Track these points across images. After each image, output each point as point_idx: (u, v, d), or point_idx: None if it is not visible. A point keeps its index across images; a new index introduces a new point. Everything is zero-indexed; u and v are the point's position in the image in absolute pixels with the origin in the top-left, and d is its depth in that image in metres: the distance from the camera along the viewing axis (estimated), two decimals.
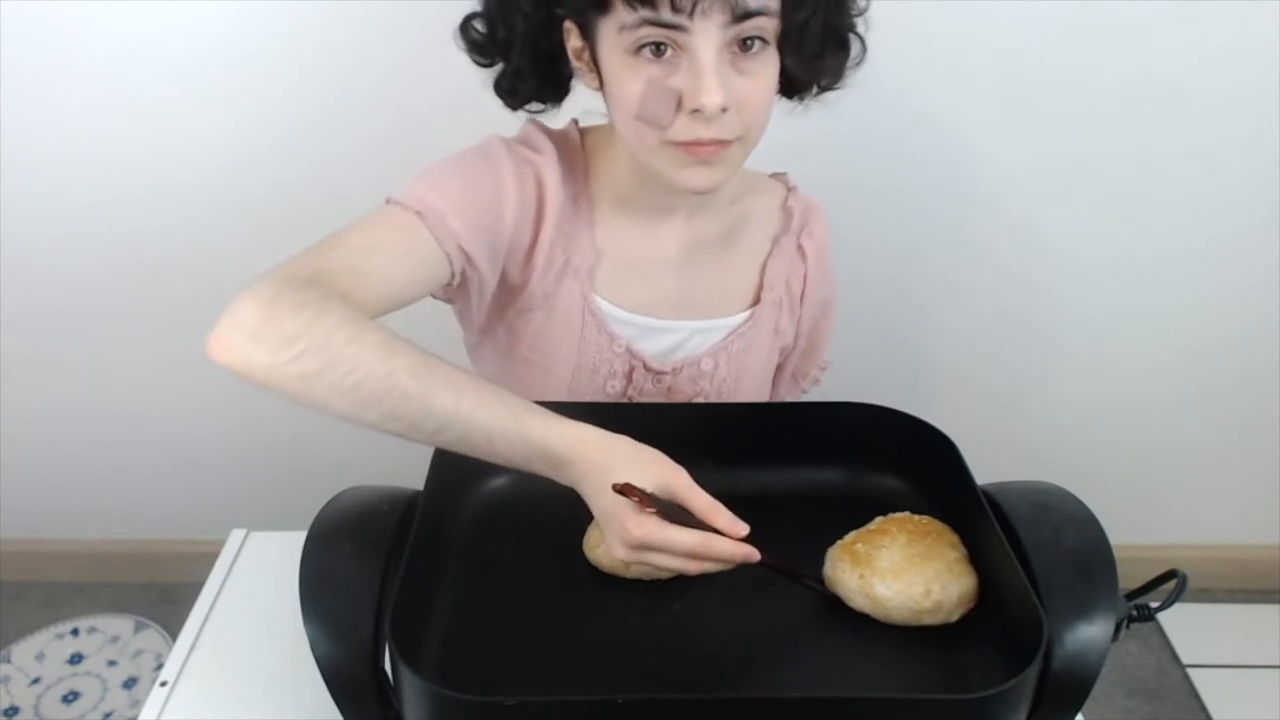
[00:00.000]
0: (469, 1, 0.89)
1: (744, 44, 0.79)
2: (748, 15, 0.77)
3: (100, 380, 1.69)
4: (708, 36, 0.77)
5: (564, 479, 0.71)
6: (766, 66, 0.82)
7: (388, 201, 0.85)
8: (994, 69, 1.38)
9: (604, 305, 0.96)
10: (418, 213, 0.83)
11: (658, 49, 0.79)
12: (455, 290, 0.90)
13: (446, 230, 0.83)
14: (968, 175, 1.49)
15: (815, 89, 0.91)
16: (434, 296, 0.91)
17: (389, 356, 0.69)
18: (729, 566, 0.70)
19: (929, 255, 1.55)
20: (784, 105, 0.91)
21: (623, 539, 0.68)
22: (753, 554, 0.69)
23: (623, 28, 0.79)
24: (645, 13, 0.77)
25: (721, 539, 0.69)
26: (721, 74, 0.78)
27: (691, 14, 0.76)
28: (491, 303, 0.94)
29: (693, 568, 0.69)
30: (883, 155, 1.44)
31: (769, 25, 0.80)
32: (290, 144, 1.44)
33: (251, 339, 0.68)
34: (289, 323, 0.68)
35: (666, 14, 0.76)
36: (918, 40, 1.33)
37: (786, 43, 0.82)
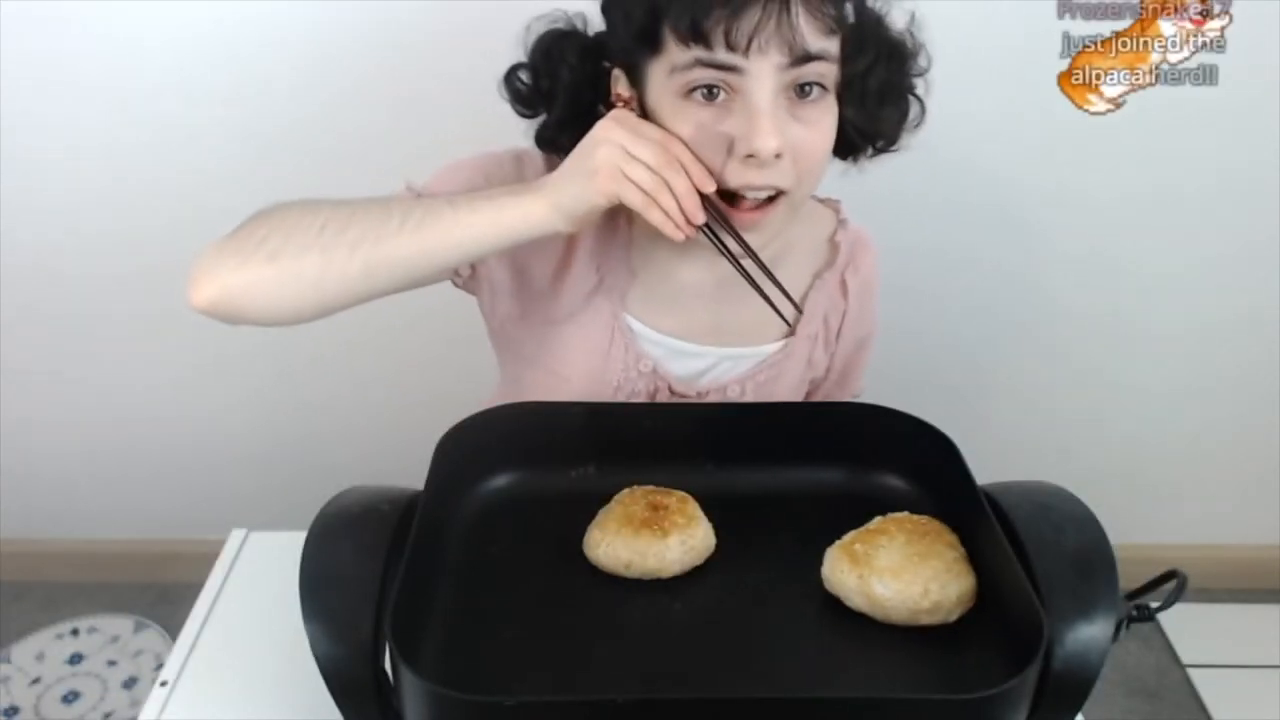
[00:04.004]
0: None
1: (801, 90, 0.76)
2: (807, 58, 0.74)
3: (100, 380, 1.69)
4: (763, 78, 0.74)
5: (532, 193, 0.77)
6: (825, 115, 0.79)
7: (406, 188, 0.86)
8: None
9: (635, 325, 0.94)
10: (419, 196, 0.84)
11: (710, 92, 0.76)
12: (469, 281, 0.90)
13: None
14: (976, 181, 1.48)
15: (871, 150, 0.88)
16: (454, 285, 0.91)
17: (345, 202, 0.77)
18: (681, 205, 0.75)
19: (931, 257, 1.55)
20: (838, 165, 0.88)
21: (602, 136, 0.74)
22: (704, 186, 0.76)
23: (674, 69, 0.76)
24: (699, 52, 0.74)
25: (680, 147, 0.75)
26: (777, 119, 0.75)
27: (747, 52, 0.73)
28: (516, 308, 0.93)
29: (658, 188, 0.74)
30: (891, 157, 1.44)
31: (829, 72, 0.77)
32: (289, 143, 1.44)
33: (217, 259, 0.75)
34: (244, 231, 0.76)
35: (721, 53, 0.73)
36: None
37: (848, 91, 0.79)
